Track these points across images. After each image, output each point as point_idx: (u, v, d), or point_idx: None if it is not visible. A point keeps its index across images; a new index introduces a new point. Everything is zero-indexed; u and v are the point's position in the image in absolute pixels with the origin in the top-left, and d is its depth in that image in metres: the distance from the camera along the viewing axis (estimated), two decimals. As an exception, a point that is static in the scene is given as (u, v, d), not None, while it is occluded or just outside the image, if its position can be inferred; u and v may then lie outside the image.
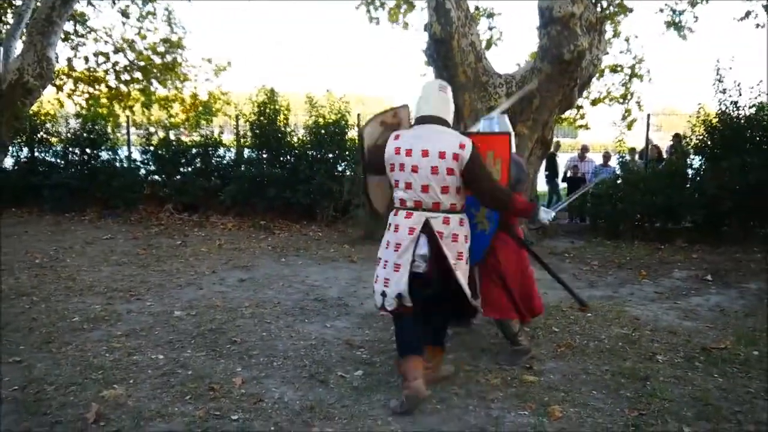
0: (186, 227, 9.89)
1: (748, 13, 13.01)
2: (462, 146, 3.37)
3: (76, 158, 11.28)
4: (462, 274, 3.52)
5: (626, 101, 15.46)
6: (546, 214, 3.67)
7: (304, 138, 10.81)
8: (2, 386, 3.62)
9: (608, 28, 13.33)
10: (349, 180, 10.17)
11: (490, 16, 14.19)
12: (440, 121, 3.51)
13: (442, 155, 3.35)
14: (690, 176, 9.39)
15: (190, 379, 3.77)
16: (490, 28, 14.32)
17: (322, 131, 10.47)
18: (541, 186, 13.61)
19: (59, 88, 15.96)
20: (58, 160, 11.41)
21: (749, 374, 3.98)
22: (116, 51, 16.14)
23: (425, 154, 3.36)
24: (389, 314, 3.60)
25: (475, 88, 9.03)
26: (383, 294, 3.49)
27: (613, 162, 11.06)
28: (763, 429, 3.23)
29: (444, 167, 3.35)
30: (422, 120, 3.53)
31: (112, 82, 16.42)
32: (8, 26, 14.02)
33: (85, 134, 11.18)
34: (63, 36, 13.68)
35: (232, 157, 11.37)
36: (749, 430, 3.21)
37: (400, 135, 3.53)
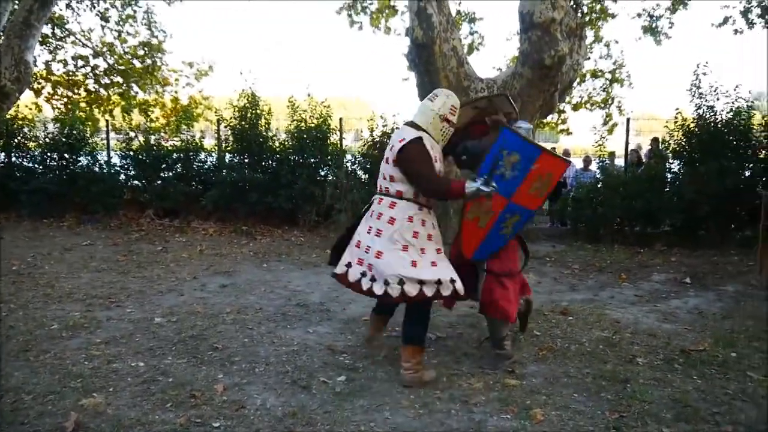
0: (167, 233, 9.81)
1: (726, 19, 13.23)
2: (401, 141, 3.78)
3: (55, 163, 11.13)
4: (390, 259, 3.70)
5: (607, 106, 15.66)
6: (486, 188, 3.68)
7: (286, 142, 10.78)
8: (-22, 395, 3.56)
9: (589, 33, 13.49)
10: (332, 184, 10.16)
11: (472, 21, 14.29)
12: (410, 123, 3.95)
13: (391, 148, 3.85)
14: (669, 180, 9.50)
15: (171, 387, 3.73)
16: (472, 33, 14.42)
17: (304, 136, 10.44)
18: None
19: (37, 92, 15.77)
20: (36, 165, 11.26)
21: (727, 375, 4.03)
22: (95, 55, 15.99)
23: (390, 147, 3.89)
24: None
25: (457, 92, 9.03)
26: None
27: (594, 166, 11.17)
28: (740, 429, 3.27)
29: (390, 158, 3.83)
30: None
31: (92, 86, 16.26)
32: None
33: (63, 139, 11.05)
34: (41, 39, 13.52)
35: (214, 162, 11.30)
36: (727, 430, 3.25)
37: None
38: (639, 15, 13.48)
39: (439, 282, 3.70)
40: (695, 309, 5.81)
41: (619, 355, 4.42)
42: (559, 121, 16.63)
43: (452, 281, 3.73)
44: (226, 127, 11.02)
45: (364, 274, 3.82)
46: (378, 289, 3.72)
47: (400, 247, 3.72)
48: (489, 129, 4.29)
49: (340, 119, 11.61)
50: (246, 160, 10.82)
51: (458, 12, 14.13)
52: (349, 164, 10.83)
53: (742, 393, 3.75)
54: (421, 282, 3.67)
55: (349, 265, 3.94)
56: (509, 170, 3.91)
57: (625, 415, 3.41)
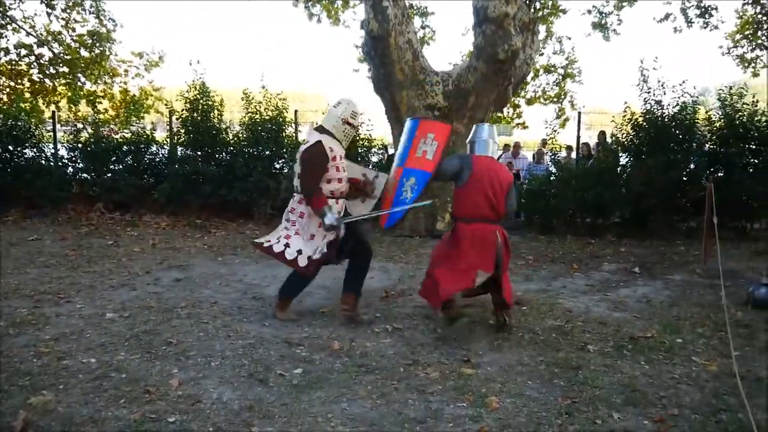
0: (118, 227, 9.59)
1: (667, 15, 13.64)
2: (305, 144, 4.77)
3: (-2, 156, 10.73)
4: (294, 240, 4.76)
5: (560, 100, 15.97)
6: (329, 220, 4.52)
7: (240, 135, 10.64)
8: None
9: (542, 28, 13.72)
10: (287, 177, 10.09)
11: (423, 15, 14.38)
12: (318, 127, 4.87)
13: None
14: (618, 173, 9.75)
15: (124, 383, 3.66)
16: (423, 27, 14.52)
17: (259, 128, 10.33)
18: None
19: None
20: (-22, 158, 10.83)
21: (673, 361, 4.18)
22: (40, 44, 15.45)
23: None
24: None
25: (413, 85, 9.13)
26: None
27: (547, 159, 11.37)
28: (686, 412, 3.39)
29: (298, 158, 4.76)
30: None
31: (36, 76, 15.71)
32: None
33: (6, 131, 10.64)
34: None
35: (166, 155, 11.07)
36: (673, 413, 3.37)
37: None
38: (589, 11, 13.79)
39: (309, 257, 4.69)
40: (644, 297, 5.99)
41: (571, 343, 4.53)
42: (515, 116, 16.89)
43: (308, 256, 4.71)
44: (177, 119, 10.81)
45: (287, 246, 4.75)
46: (289, 256, 4.72)
47: (308, 237, 4.72)
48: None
49: (296, 112, 11.53)
50: (199, 153, 10.64)
51: (410, 6, 14.21)
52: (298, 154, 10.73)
53: (687, 377, 3.89)
54: (298, 251, 4.70)
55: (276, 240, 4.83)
56: (402, 144, 5.05)
57: (576, 401, 3.50)
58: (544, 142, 11.43)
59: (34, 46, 15.46)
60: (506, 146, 13.21)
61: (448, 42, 16.56)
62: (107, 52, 15.82)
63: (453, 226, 4.75)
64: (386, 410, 3.38)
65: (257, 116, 10.46)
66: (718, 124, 9.48)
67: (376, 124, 10.74)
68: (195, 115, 10.41)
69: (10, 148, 10.66)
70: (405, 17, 9.17)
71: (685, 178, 9.19)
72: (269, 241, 4.83)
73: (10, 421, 3.13)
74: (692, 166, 9.29)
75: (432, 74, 9.21)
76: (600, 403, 3.47)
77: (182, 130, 10.67)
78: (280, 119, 10.50)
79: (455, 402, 3.49)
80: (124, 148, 10.72)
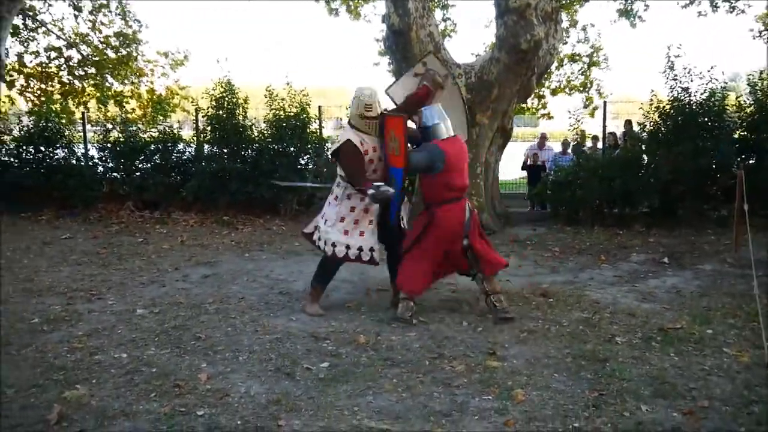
0: (147, 225, 9.74)
1: (692, 0, 13.37)
2: (338, 143, 4.96)
3: (31, 157, 10.96)
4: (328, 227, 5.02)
5: (586, 90, 15.77)
6: (370, 191, 4.61)
7: (265, 132, 10.71)
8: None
9: (565, 17, 13.55)
10: (312, 173, 10.14)
11: (444, 7, 14.30)
12: (348, 123, 5.06)
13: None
14: (645, 162, 9.61)
15: (155, 377, 3.74)
16: (444, 20, 14.44)
17: (283, 124, 10.39)
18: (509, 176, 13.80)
19: (10, 85, 15.47)
20: (12, 159, 11.08)
21: (703, 352, 4.13)
22: (69, 46, 15.72)
23: None
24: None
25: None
26: None
27: (572, 150, 11.24)
28: (716, 404, 3.35)
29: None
30: None
31: (66, 78, 15.98)
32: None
33: (38, 132, 10.88)
34: (12, 31, 13.26)
35: (192, 153, 11.20)
36: (703, 405, 3.33)
37: None
38: (614, -2, 13.58)
39: (360, 249, 4.92)
40: (673, 288, 5.91)
41: (599, 335, 4.49)
42: (539, 106, 16.72)
43: (371, 249, 4.94)
44: (203, 117, 10.93)
45: (319, 237, 5.07)
46: (321, 245, 5.03)
47: (338, 219, 4.95)
48: (429, 91, 5.28)
49: (319, 107, 11.57)
50: (225, 150, 10.74)
51: (430, -1, 14.17)
52: (329, 152, 10.80)
53: (717, 368, 3.84)
54: (347, 246, 4.91)
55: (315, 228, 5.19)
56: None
57: (604, 393, 3.48)
58: (583, 135, 11.34)
59: (63, 49, 15.73)
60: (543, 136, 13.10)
61: (471, 34, 16.47)
62: (134, 53, 16.02)
63: (429, 212, 4.89)
64: (412, 403, 3.40)
65: (281, 113, 10.52)
66: (748, 110, 9.28)
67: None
68: (221, 112, 10.52)
69: (42, 149, 10.90)
70: (426, 10, 9.12)
71: (714, 166, 9.01)
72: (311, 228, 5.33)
73: (45, 415, 3.22)
74: (721, 153, 9.10)
75: (454, 67, 9.15)
76: (628, 396, 3.45)
77: (208, 128, 10.79)
78: (304, 115, 10.55)
79: (481, 395, 3.50)
80: (152, 146, 10.88)
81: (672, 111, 9.15)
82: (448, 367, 3.91)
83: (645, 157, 9.73)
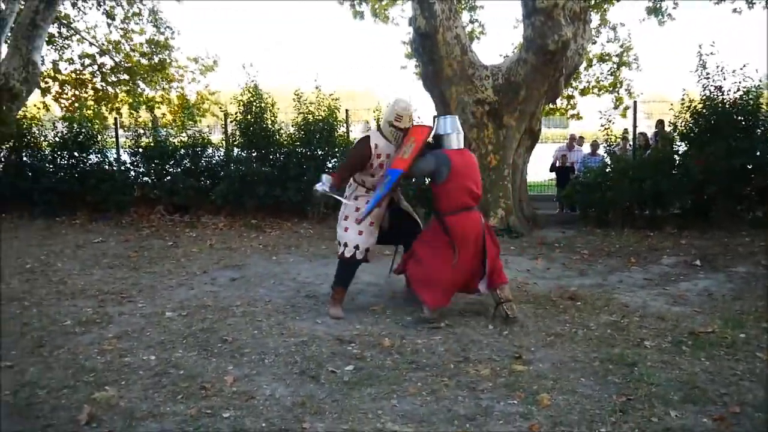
0: (177, 228, 9.88)
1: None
2: None
3: (65, 162, 11.22)
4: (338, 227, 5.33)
5: (616, 90, 15.56)
6: (318, 186, 4.99)
7: (293, 135, 10.79)
8: (-6, 392, 3.63)
9: (594, 17, 13.40)
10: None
11: (472, 9, 14.24)
12: (378, 125, 5.44)
13: None
14: (677, 162, 9.43)
15: (182, 379, 3.79)
16: (472, 22, 14.38)
17: (312, 128, 10.45)
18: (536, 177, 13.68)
19: (45, 92, 15.88)
20: (47, 165, 11.35)
21: (736, 357, 4.03)
22: (102, 53, 16.07)
23: None
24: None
25: (462, 81, 9.07)
26: None
27: (602, 151, 11.09)
28: (748, 410, 3.27)
29: None
30: None
31: (99, 84, 16.34)
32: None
33: (72, 137, 11.13)
34: (48, 39, 13.62)
35: (221, 157, 11.34)
36: (735, 411, 3.26)
37: None
38: (643, -4, 13.38)
39: (356, 247, 5.08)
40: (705, 291, 5.79)
41: (627, 339, 4.43)
42: (568, 107, 16.56)
43: (366, 250, 5.12)
44: (232, 121, 11.06)
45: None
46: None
47: (344, 218, 5.20)
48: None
49: (347, 111, 11.60)
50: (254, 154, 10.85)
51: (459, 0, 14.10)
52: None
53: (750, 373, 3.75)
54: (345, 244, 5.11)
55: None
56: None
57: (632, 398, 3.42)
58: (624, 137, 11.24)
59: (97, 56, 16.09)
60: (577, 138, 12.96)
61: (500, 35, 16.35)
62: (167, 59, 16.31)
63: (440, 221, 4.89)
64: (436, 407, 3.39)
65: (310, 116, 10.59)
66: (785, 108, 9.06)
67: (426, 122, 10.72)
68: (249, 117, 10.63)
69: (76, 154, 11.14)
70: (453, 12, 9.11)
71: (749, 166, 8.80)
72: None
73: (75, 415, 3.29)
74: (758, 153, 8.89)
75: (481, 68, 9.12)
76: (656, 401, 3.38)
77: (237, 132, 10.91)
78: (332, 119, 10.60)
79: (506, 399, 3.47)
80: (182, 151, 11.04)
81: (704, 110, 8.98)
82: (473, 370, 3.89)
83: (676, 157, 9.56)
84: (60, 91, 16.22)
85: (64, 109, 15.53)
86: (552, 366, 3.95)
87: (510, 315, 4.83)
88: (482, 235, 4.88)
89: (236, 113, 10.85)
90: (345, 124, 11.31)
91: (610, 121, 10.01)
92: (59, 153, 11.22)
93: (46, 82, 15.84)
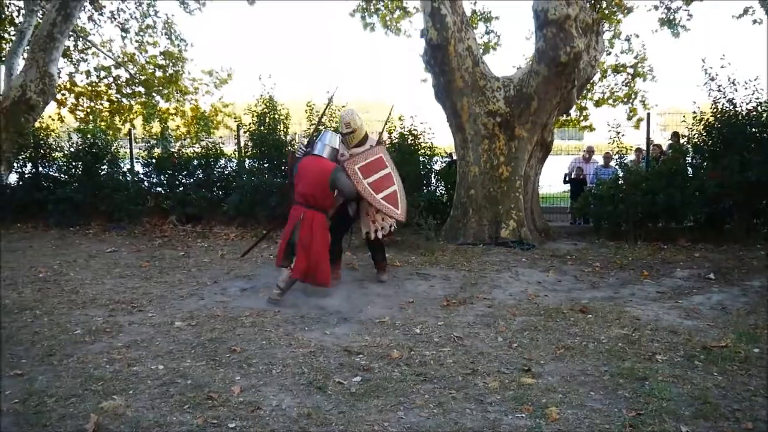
0: (189, 238, 9.93)
1: (746, 10, 13.01)
2: None
3: (79, 172, 11.33)
4: None
5: (630, 101, 15.47)
6: None
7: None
8: (4, 399, 3.64)
9: (608, 28, 13.36)
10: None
11: (488, 20, 14.24)
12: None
13: None
14: (690, 175, 9.35)
15: (189, 389, 3.79)
16: (488, 33, 14.38)
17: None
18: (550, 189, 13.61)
19: (61, 104, 16.07)
20: (62, 175, 11.47)
21: (749, 372, 3.97)
22: (117, 65, 16.26)
23: None
24: None
25: (474, 92, 9.07)
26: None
27: (614, 163, 11.02)
28: (761, 426, 3.22)
29: None
30: None
31: (114, 96, 16.52)
32: (10, 44, 14.20)
33: (86, 148, 11.24)
34: (64, 51, 13.80)
35: (234, 168, 11.40)
36: (747, 427, 3.20)
37: None
38: (656, 7, 13.32)
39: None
40: (718, 305, 5.72)
41: (638, 353, 4.37)
42: (581, 118, 16.48)
43: None
44: (245, 132, 11.12)
45: None
46: None
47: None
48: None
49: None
50: (266, 165, 10.89)
51: (474, 12, 14.11)
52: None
53: (764, 389, 3.69)
54: None
55: None
56: None
57: (642, 413, 3.38)
58: (637, 149, 11.20)
59: (112, 68, 16.28)
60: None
61: (514, 46, 16.36)
62: (180, 71, 16.47)
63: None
64: (443, 419, 3.36)
65: (321, 128, 10.61)
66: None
67: (438, 133, 10.75)
68: (262, 128, 10.68)
69: (90, 165, 11.25)
70: (464, 24, 9.13)
71: (764, 178, 8.70)
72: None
73: (82, 424, 3.30)
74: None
75: (493, 80, 9.11)
76: (667, 416, 3.34)
77: (250, 143, 10.97)
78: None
79: (514, 412, 3.43)
80: (195, 162, 11.11)
81: (717, 123, 8.91)
82: (481, 383, 3.86)
83: (690, 169, 9.48)
84: (76, 103, 16.42)
85: (80, 120, 15.70)
86: (561, 379, 3.91)
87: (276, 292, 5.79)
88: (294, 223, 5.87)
89: (249, 124, 10.92)
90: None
91: (619, 134, 9.93)
92: (74, 163, 11.33)
93: (63, 95, 16.04)
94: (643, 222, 9.37)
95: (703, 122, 9.06)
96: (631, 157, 10.95)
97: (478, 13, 14.21)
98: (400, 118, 10.74)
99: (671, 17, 13.17)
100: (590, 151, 13.05)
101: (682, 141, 10.02)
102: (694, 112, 9.24)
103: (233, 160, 11.67)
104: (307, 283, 5.90)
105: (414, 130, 10.50)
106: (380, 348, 4.54)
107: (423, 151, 10.47)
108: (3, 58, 14.24)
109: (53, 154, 11.85)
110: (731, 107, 8.87)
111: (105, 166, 11.38)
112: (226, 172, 11.33)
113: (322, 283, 5.86)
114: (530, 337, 4.76)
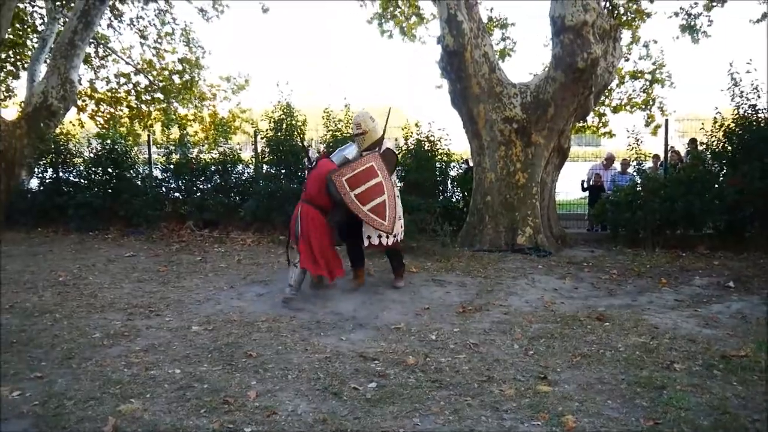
0: (206, 243, 10.00)
1: (765, 15, 12.86)
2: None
3: (99, 178, 11.47)
4: None
5: (648, 107, 15.35)
6: None
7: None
8: (24, 402, 3.69)
9: (626, 34, 13.27)
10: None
11: (504, 26, 14.22)
12: None
13: None
14: (709, 181, 9.24)
15: (206, 393, 3.81)
16: (504, 39, 14.35)
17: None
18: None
19: (81, 110, 16.27)
20: (82, 180, 11.62)
21: (769, 382, 3.92)
22: (137, 72, 16.45)
23: None
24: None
25: (490, 98, 9.06)
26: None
27: (632, 169, 10.93)
28: (782, 437, 3.17)
29: None
30: None
31: (134, 103, 16.71)
32: (33, 51, 14.44)
33: (106, 154, 11.38)
34: (85, 58, 13.99)
35: (251, 174, 11.47)
36: (767, 438, 3.16)
37: None
38: (676, 14, 13.22)
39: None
40: (738, 313, 5.65)
41: (656, 361, 4.33)
42: (600, 124, 16.38)
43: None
44: (262, 138, 11.20)
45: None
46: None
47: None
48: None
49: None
50: (283, 171, 10.96)
51: (490, 18, 14.10)
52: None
53: (784, 399, 3.64)
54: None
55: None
56: None
57: (659, 423, 3.34)
58: (656, 155, 11.12)
59: (132, 75, 16.47)
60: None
61: (531, 53, 16.29)
62: (197, 78, 16.63)
63: None
64: (458, 426, 3.35)
65: (338, 134, 10.67)
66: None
67: (454, 139, 10.74)
68: (279, 134, 10.75)
69: (110, 170, 11.39)
70: (481, 30, 9.13)
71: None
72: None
73: (100, 427, 3.33)
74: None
75: (509, 86, 9.10)
76: (685, 426, 3.30)
77: (267, 149, 11.04)
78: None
79: (530, 420, 3.41)
80: (212, 167, 11.21)
81: (737, 129, 8.81)
82: (497, 390, 3.84)
83: (709, 176, 9.37)
84: (96, 109, 16.63)
85: (100, 126, 15.89)
86: (578, 387, 3.88)
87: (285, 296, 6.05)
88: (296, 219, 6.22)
89: (266, 130, 10.99)
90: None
91: (637, 141, 9.85)
92: (93, 169, 11.47)
93: (84, 101, 16.25)
94: (661, 229, 9.28)
95: (723, 128, 8.97)
96: (648, 164, 10.86)
97: (495, 20, 14.19)
98: (416, 125, 10.76)
99: (692, 23, 13.05)
100: (610, 158, 12.94)
101: (700, 148, 9.91)
102: (715, 118, 9.15)
103: (250, 165, 11.75)
104: (319, 274, 6.22)
105: (431, 136, 10.51)
106: (396, 354, 4.54)
107: (440, 157, 10.47)
108: (25, 65, 14.48)
109: (73, 160, 12.01)
110: (753, 113, 8.77)
111: (124, 172, 11.51)
112: (243, 178, 11.41)
113: (339, 276, 6.33)
114: (546, 344, 4.74)
